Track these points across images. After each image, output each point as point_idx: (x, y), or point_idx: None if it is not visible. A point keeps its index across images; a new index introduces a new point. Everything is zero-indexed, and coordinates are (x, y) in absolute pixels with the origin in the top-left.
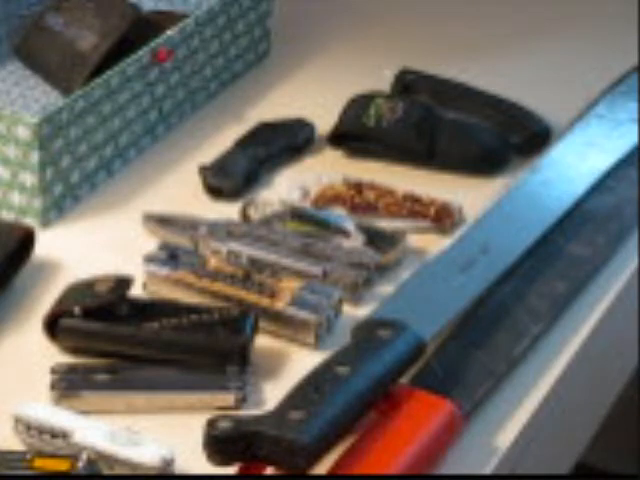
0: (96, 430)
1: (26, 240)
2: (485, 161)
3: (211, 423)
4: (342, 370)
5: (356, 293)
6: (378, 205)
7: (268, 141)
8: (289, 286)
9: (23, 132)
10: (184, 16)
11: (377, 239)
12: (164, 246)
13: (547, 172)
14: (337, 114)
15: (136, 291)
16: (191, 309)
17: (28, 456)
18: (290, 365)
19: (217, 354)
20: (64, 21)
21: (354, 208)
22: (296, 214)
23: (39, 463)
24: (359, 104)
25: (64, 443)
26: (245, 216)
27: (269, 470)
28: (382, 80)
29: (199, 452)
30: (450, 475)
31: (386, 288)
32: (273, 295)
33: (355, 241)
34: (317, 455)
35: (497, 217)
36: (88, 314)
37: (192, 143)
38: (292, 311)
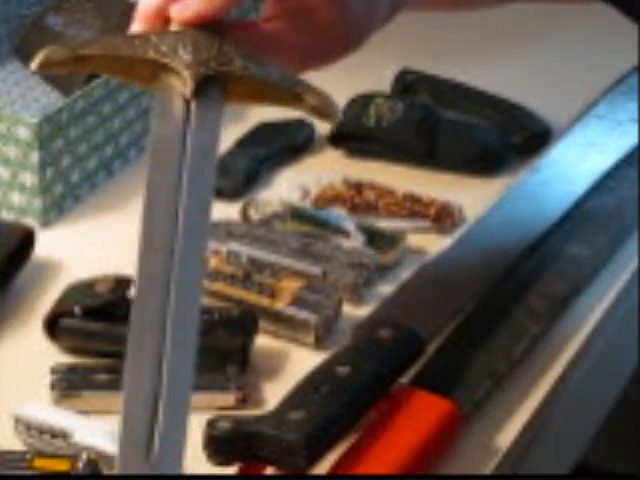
0: (96, 430)
1: (26, 240)
2: (485, 161)
3: (211, 423)
4: (342, 370)
5: (356, 293)
6: (378, 205)
7: (268, 141)
8: (289, 286)
9: (23, 132)
10: None
11: (377, 239)
12: None
13: (547, 172)
14: None
15: None
16: None
17: (28, 456)
18: (290, 365)
19: (217, 354)
20: (64, 21)
21: (354, 208)
22: (296, 214)
23: (39, 463)
24: (359, 104)
25: (64, 443)
26: (245, 216)
27: (269, 470)
28: (382, 80)
29: (199, 452)
30: (450, 475)
31: (386, 288)
32: (273, 295)
33: (355, 241)
34: (317, 455)
35: (497, 217)
36: (88, 314)
37: None
38: (292, 311)
